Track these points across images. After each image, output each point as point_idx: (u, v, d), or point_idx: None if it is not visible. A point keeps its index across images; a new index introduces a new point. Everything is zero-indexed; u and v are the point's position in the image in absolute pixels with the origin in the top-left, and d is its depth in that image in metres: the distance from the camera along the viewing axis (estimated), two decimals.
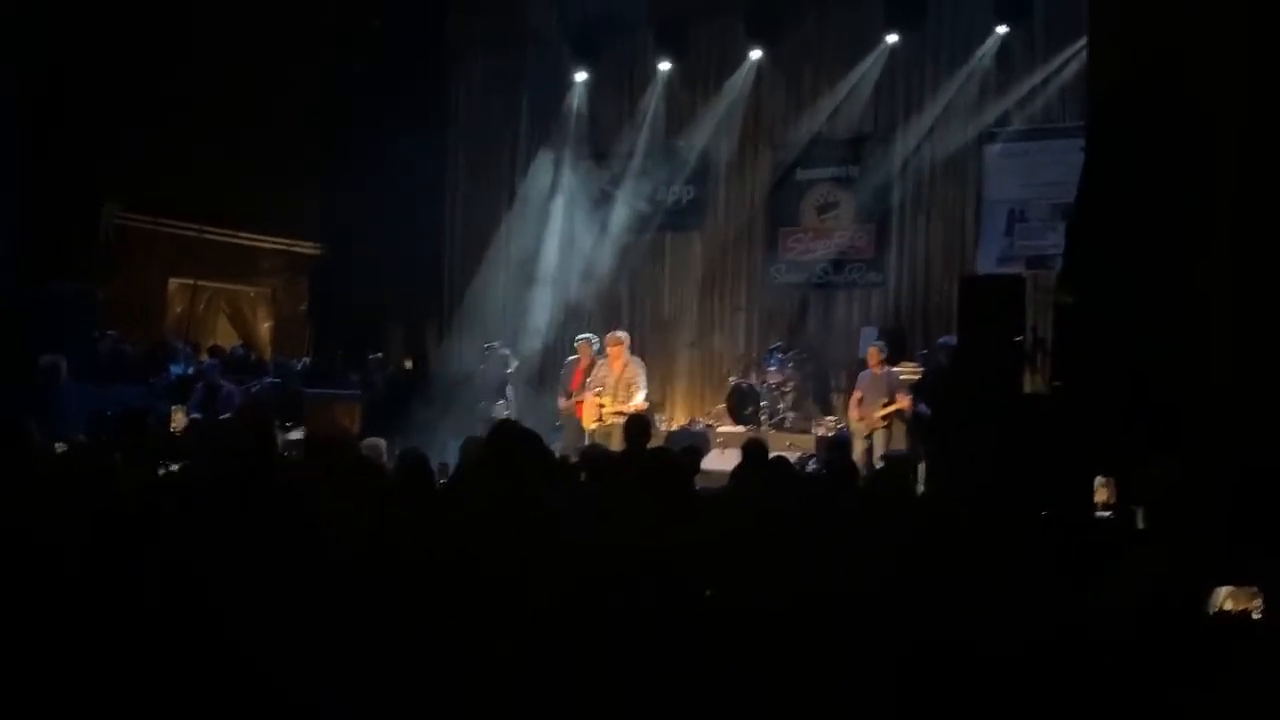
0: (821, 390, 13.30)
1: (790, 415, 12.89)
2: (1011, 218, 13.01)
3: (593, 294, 14.51)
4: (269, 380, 13.04)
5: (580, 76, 14.93)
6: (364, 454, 5.98)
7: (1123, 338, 7.35)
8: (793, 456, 9.34)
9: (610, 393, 11.15)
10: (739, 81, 14.27)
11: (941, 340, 11.58)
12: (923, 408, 11.02)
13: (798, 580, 3.93)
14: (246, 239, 15.90)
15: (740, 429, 12.45)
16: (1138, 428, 6.89)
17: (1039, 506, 6.00)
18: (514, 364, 13.01)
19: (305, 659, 3.23)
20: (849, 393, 12.20)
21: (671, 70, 14.59)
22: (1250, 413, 6.83)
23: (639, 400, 11.10)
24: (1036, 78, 12.71)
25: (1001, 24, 12.87)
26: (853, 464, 7.47)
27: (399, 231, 14.43)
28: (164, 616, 3.22)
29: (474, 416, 11.70)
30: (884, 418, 11.26)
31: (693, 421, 13.78)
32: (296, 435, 10.10)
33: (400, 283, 15.37)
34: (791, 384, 12.98)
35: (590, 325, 13.65)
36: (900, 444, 11.21)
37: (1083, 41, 10.74)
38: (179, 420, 9.92)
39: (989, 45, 12.96)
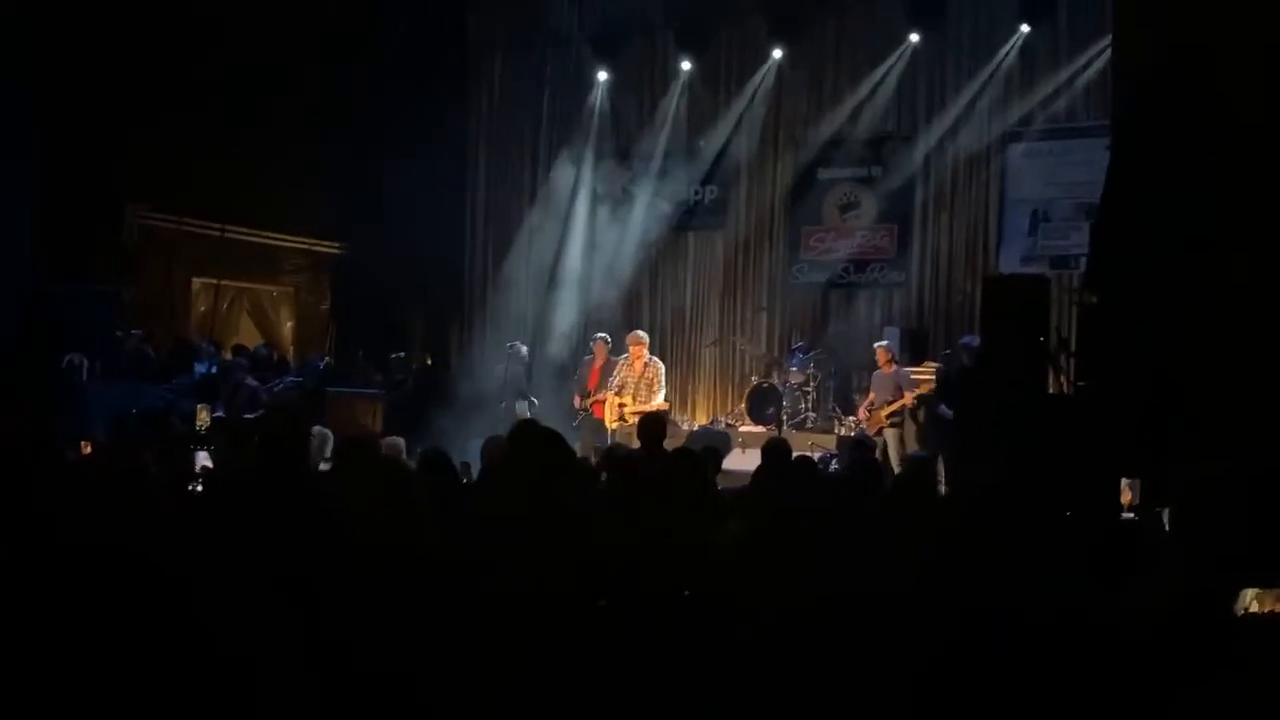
0: (843, 390, 13.27)
1: (812, 415, 12.87)
2: (1035, 217, 12.97)
3: (614, 293, 14.52)
4: (291, 379, 13.10)
5: (601, 77, 14.95)
6: (386, 453, 5.99)
7: (1147, 338, 7.30)
8: (815, 456, 9.34)
9: (631, 392, 11.16)
10: (760, 81, 14.26)
11: (963, 340, 11.56)
12: (944, 408, 11.01)
13: (821, 581, 3.92)
14: (269, 239, 15.97)
15: (762, 429, 12.45)
16: (1163, 429, 6.85)
17: (1064, 508, 5.97)
18: (526, 359, 13.07)
19: (329, 656, 3.24)
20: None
21: (693, 70, 14.59)
22: (1277, 413, 6.78)
23: (659, 400, 11.12)
24: (1060, 77, 12.68)
25: (1024, 23, 12.84)
26: (876, 464, 7.45)
27: (421, 231, 14.46)
28: (191, 613, 3.24)
29: (495, 415, 11.72)
30: (889, 415, 11.30)
31: (714, 421, 13.78)
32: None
33: (422, 282, 15.42)
34: (813, 384, 12.96)
35: (611, 325, 13.66)
36: (912, 443, 11.25)
37: (1106, 40, 10.71)
38: (204, 418, 9.97)
39: (1012, 44, 12.93)
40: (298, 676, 3.19)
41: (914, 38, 13.39)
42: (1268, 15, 7.32)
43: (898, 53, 13.50)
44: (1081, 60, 12.44)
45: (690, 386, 14.73)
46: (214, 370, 12.54)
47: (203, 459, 7.91)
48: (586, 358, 12.26)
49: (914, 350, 12.98)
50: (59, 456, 4.78)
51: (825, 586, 3.81)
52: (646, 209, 14.67)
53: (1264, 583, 3.92)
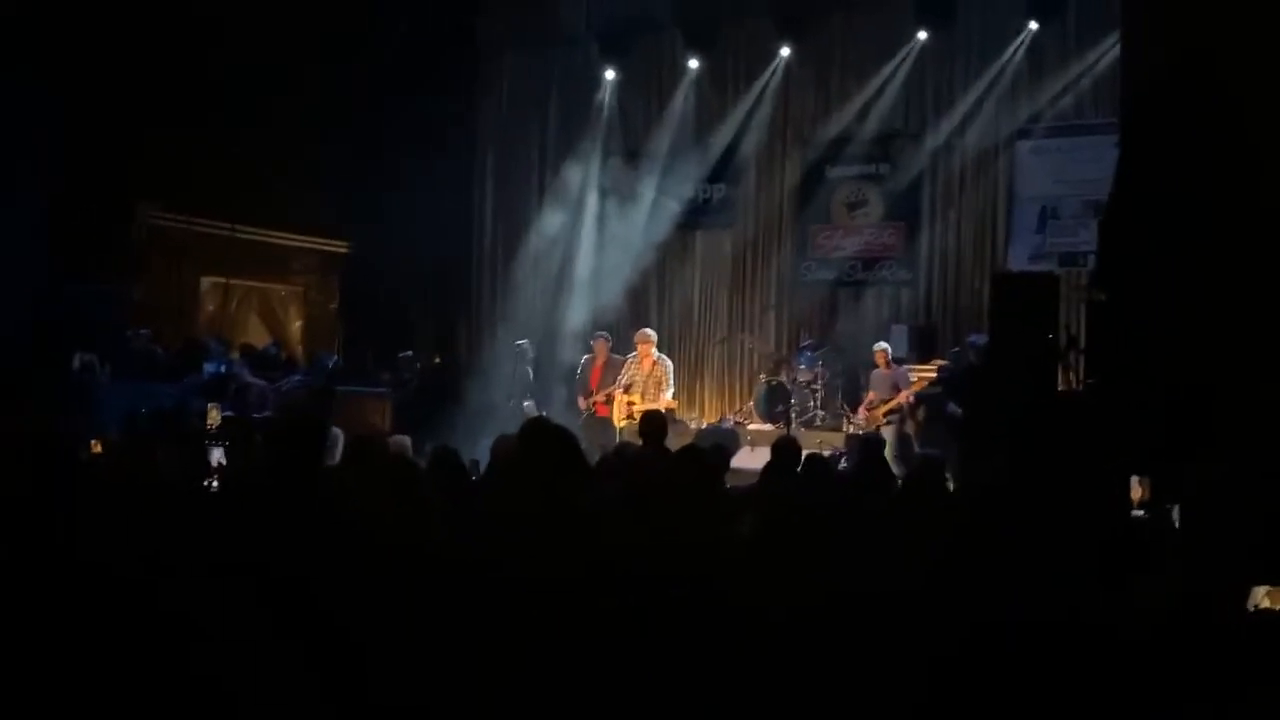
0: (851, 388, 13.26)
1: (820, 413, 12.87)
2: (1043, 215, 12.95)
3: (622, 292, 14.52)
4: (298, 378, 13.12)
5: (609, 76, 14.95)
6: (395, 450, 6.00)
7: (1157, 335, 7.29)
8: (825, 454, 9.33)
9: (640, 390, 11.19)
10: (768, 80, 14.26)
11: (971, 338, 11.56)
12: (952, 407, 11.01)
13: (831, 578, 3.92)
14: (278, 238, 15.98)
15: (770, 427, 12.45)
16: (1173, 426, 6.84)
17: (1073, 506, 5.97)
18: (532, 358, 13.09)
19: (339, 653, 3.25)
20: None
21: (700, 69, 14.59)
22: None
23: (667, 398, 11.14)
24: (1069, 74, 12.64)
25: (1032, 20, 12.81)
26: (885, 462, 7.45)
27: (429, 230, 14.47)
28: (208, 610, 3.25)
29: (504, 414, 11.73)
30: (886, 414, 11.35)
31: (722, 419, 13.78)
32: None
33: (430, 281, 15.43)
34: (821, 382, 12.96)
35: (619, 323, 13.67)
36: (913, 441, 11.28)
37: (1115, 37, 10.69)
38: (215, 417, 10.02)
39: (1020, 41, 12.90)
40: (306, 674, 3.20)
41: (922, 35, 13.37)
42: (1276, 13, 7.31)
43: (905, 50, 13.48)
44: (1090, 57, 12.41)
45: (698, 385, 14.72)
46: (223, 370, 12.56)
47: (215, 457, 7.95)
48: (587, 356, 12.25)
49: (922, 348, 12.98)
50: (71, 455, 4.79)
51: (835, 584, 3.81)
52: (654, 208, 14.67)
53: (1275, 580, 3.92)
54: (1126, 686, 3.26)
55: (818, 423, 12.73)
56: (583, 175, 15.05)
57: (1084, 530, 5.11)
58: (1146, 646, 3.36)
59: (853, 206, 14.17)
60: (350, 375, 13.58)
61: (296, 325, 16.72)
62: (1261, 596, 4.00)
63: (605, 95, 15.03)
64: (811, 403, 12.90)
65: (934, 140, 13.48)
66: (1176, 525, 5.09)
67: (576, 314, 14.50)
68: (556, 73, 15.37)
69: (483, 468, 7.15)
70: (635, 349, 11.53)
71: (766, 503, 5.41)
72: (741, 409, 13.88)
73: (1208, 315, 7.18)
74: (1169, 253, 7.36)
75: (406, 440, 7.66)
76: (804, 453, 7.06)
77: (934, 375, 11.89)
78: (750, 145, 14.46)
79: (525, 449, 4.16)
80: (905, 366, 12.14)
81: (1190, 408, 6.91)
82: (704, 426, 13.17)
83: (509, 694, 3.24)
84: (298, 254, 16.45)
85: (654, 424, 7.59)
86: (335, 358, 14.54)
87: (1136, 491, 7.66)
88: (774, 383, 13.13)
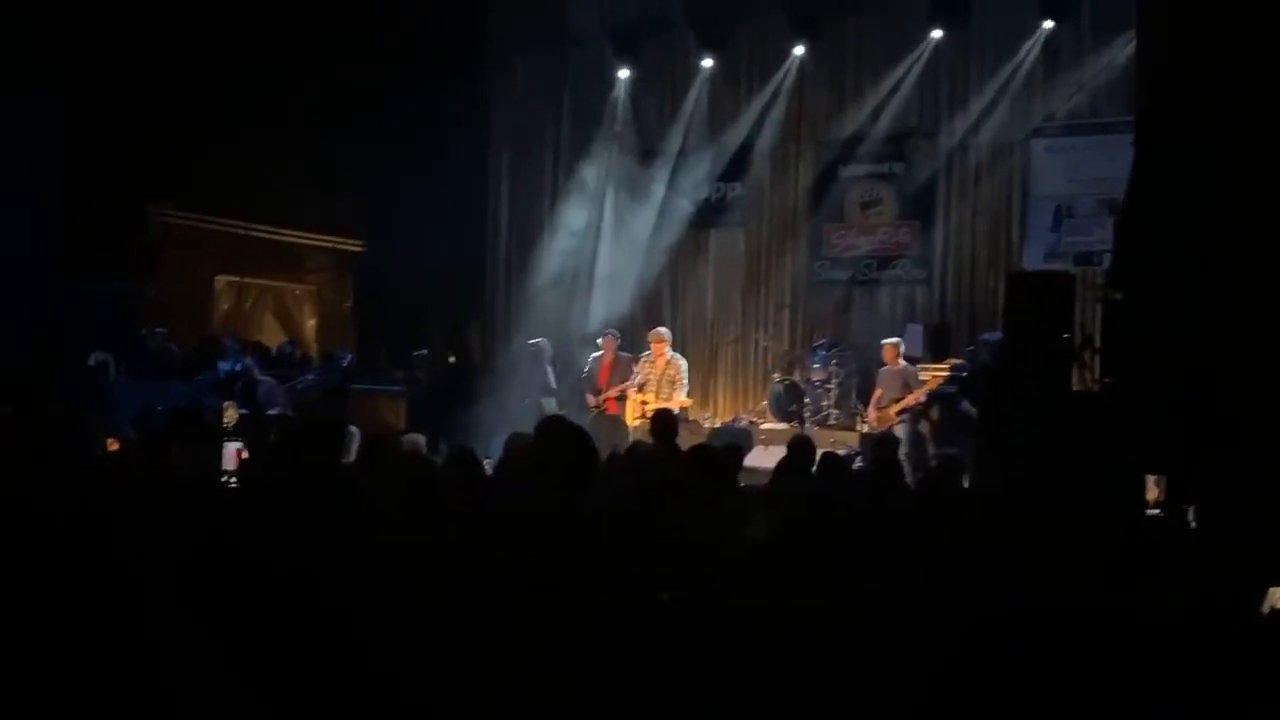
0: (865, 388, 13.22)
1: (834, 412, 12.85)
2: (1058, 214, 12.91)
3: (635, 291, 14.52)
4: (312, 377, 13.15)
5: (623, 74, 14.95)
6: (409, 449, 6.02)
7: (1172, 335, 7.27)
8: (840, 454, 9.30)
9: (653, 389, 11.19)
10: (781, 78, 14.24)
11: (985, 337, 11.52)
12: (966, 406, 10.97)
13: (845, 577, 3.92)
14: (292, 236, 16.03)
15: (784, 426, 12.44)
16: (1188, 426, 6.82)
17: (1088, 505, 5.95)
18: (550, 355, 13.09)
19: (353, 650, 3.26)
20: None
21: (714, 67, 14.58)
22: None
23: (681, 397, 11.13)
24: (1084, 72, 12.61)
25: (1047, 19, 12.78)
26: (898, 461, 7.42)
27: (443, 229, 14.50)
28: (227, 608, 3.26)
29: (518, 413, 11.73)
30: (899, 414, 11.24)
31: (736, 418, 13.77)
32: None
33: (445, 280, 15.44)
34: (835, 381, 12.94)
35: (633, 322, 13.67)
36: (928, 441, 11.20)
37: (1130, 35, 10.65)
38: (231, 415, 10.07)
39: (1035, 40, 12.87)
40: (318, 670, 3.21)
41: (936, 34, 13.34)
42: None
43: (920, 49, 13.44)
44: (1105, 56, 12.37)
45: (712, 384, 14.71)
46: (238, 368, 12.60)
47: (230, 455, 7.98)
48: (595, 354, 12.21)
49: (937, 347, 12.95)
50: (87, 453, 4.82)
51: (851, 583, 3.81)
52: (668, 207, 14.67)
53: None
54: (1143, 686, 3.26)
55: (831, 422, 12.71)
56: (595, 174, 15.05)
57: (1099, 530, 5.10)
58: (1163, 647, 3.35)
59: (867, 205, 14.15)
60: (364, 374, 13.61)
61: (311, 324, 16.78)
62: (1278, 598, 3.98)
63: (619, 95, 15.03)
64: (825, 402, 12.87)
65: (948, 139, 13.46)
66: (1192, 525, 5.07)
67: (590, 313, 14.50)
68: (570, 72, 15.36)
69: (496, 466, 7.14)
70: (649, 348, 11.53)
71: (782, 501, 5.41)
72: (755, 408, 13.87)
73: (1223, 314, 7.16)
74: (1185, 251, 7.35)
75: (421, 439, 7.67)
76: (819, 451, 7.05)
77: (947, 374, 11.81)
78: (764, 144, 14.44)
79: (541, 447, 4.16)
80: (919, 365, 12.08)
81: (1206, 407, 6.90)
82: (717, 426, 13.16)
83: (523, 691, 3.25)
84: (312, 253, 16.50)
85: (664, 422, 7.59)
86: (350, 356, 14.58)
87: (1152, 491, 7.64)
88: (788, 382, 13.11)
